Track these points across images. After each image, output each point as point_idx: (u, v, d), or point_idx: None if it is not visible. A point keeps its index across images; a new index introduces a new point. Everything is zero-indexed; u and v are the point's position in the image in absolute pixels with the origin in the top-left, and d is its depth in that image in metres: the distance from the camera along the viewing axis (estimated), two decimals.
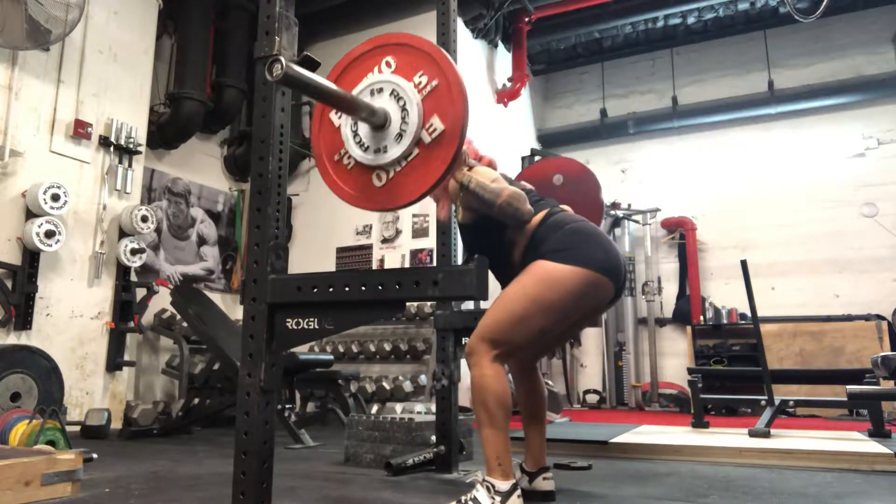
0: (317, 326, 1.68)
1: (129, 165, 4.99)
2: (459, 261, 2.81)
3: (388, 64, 1.68)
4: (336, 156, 1.74)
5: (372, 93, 1.67)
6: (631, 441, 3.45)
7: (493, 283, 1.72)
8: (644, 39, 8.18)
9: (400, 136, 1.62)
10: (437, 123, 1.59)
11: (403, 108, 1.62)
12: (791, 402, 4.03)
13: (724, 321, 7.00)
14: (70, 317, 4.52)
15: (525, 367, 2.20)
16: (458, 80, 1.57)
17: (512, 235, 2.03)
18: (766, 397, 4.02)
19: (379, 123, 1.64)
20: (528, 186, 2.33)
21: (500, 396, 1.83)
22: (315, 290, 1.67)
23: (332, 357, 4.71)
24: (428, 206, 5.80)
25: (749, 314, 4.19)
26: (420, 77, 1.62)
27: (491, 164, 2.21)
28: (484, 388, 1.84)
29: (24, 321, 4.19)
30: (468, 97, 1.57)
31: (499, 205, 1.92)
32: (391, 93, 1.64)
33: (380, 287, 1.60)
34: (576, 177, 2.79)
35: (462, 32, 6.58)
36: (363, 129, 1.69)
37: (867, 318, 6.43)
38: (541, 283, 1.87)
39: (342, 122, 1.76)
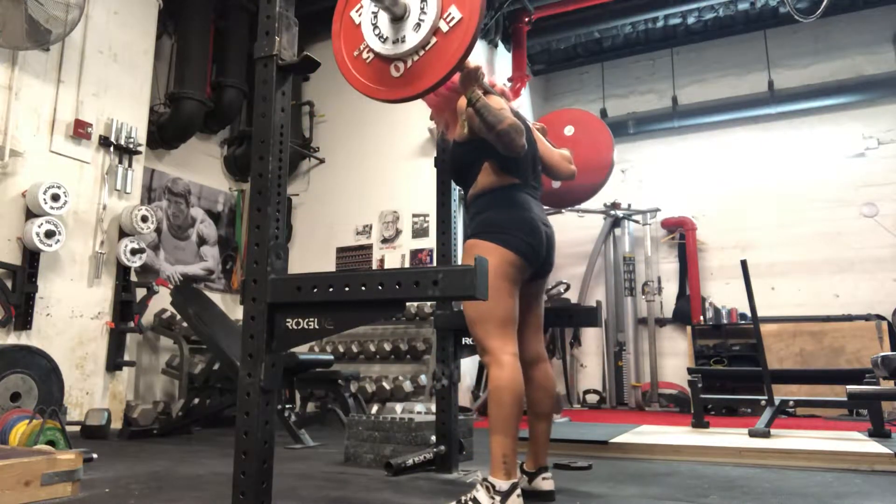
0: (317, 326, 1.68)
1: (129, 165, 4.99)
2: (459, 260, 2.81)
3: None
4: (355, 52, 1.83)
5: None
6: (631, 441, 3.44)
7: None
8: (644, 39, 8.18)
9: (418, 25, 1.70)
10: (455, 12, 1.66)
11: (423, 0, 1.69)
12: (791, 402, 4.03)
13: (724, 321, 7.00)
14: (70, 317, 4.52)
15: (531, 360, 2.18)
16: None
17: (482, 177, 2.12)
18: (766, 397, 4.02)
19: (399, 14, 1.71)
20: (539, 125, 2.43)
21: (517, 395, 1.86)
22: (315, 290, 1.67)
23: (332, 357, 4.71)
24: (429, 205, 5.81)
25: (749, 314, 4.19)
26: None
27: (504, 94, 2.26)
28: (502, 387, 1.86)
29: (24, 321, 4.19)
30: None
31: (497, 130, 1.96)
32: None
33: (380, 287, 1.60)
34: (589, 131, 2.78)
35: None
36: (383, 21, 1.77)
37: (867, 318, 6.42)
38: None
39: (362, 18, 1.84)
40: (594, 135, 2.77)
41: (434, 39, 1.68)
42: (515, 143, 1.97)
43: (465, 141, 2.15)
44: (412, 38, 1.69)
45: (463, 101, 2.06)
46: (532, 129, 2.29)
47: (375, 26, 1.76)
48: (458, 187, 2.88)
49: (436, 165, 2.89)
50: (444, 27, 1.67)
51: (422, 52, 1.69)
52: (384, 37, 1.74)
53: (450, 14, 1.66)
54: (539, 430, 2.17)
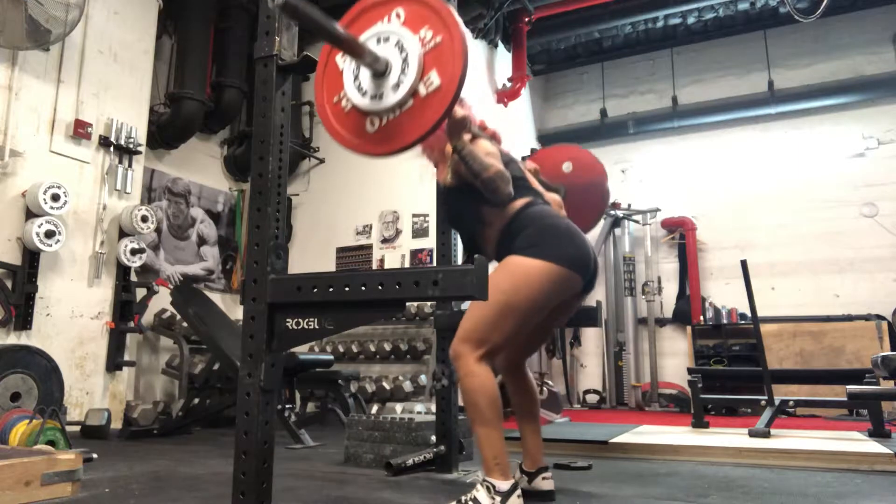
0: (317, 326, 1.68)
1: (129, 165, 4.99)
2: (459, 261, 2.81)
3: (397, 15, 1.72)
4: (335, 97, 1.79)
5: (378, 40, 1.71)
6: (631, 441, 3.44)
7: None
8: (644, 39, 8.18)
9: (398, 85, 1.65)
10: (435, 78, 1.62)
11: (405, 60, 1.66)
12: (791, 402, 4.03)
13: (724, 321, 7.00)
14: (70, 317, 4.52)
15: (513, 368, 2.21)
16: (461, 38, 1.61)
17: (489, 215, 2.06)
18: (766, 397, 4.01)
19: (380, 70, 1.68)
20: (533, 166, 2.38)
21: (491, 396, 1.85)
22: (315, 290, 1.67)
23: (332, 357, 4.71)
24: (429, 205, 5.81)
25: (749, 314, 4.19)
26: (426, 31, 1.66)
27: (494, 136, 2.24)
28: (473, 389, 1.85)
29: (24, 321, 4.19)
30: (469, 57, 1.61)
31: (483, 178, 1.94)
32: (396, 43, 1.68)
33: (380, 287, 1.60)
34: (584, 167, 2.80)
35: None
36: (364, 75, 1.74)
37: (867, 318, 6.42)
38: (512, 278, 1.90)
39: (346, 65, 1.80)
40: (592, 177, 2.80)
41: (411, 101, 1.64)
42: (501, 190, 1.95)
43: (453, 187, 2.12)
44: (390, 97, 1.65)
45: (450, 147, 2.03)
46: (524, 170, 2.26)
47: (357, 77, 1.72)
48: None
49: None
50: (422, 91, 1.63)
51: (398, 112, 1.65)
52: (364, 90, 1.70)
53: (429, 79, 1.62)
54: (528, 431, 2.18)
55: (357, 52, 1.64)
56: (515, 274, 1.91)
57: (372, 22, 1.75)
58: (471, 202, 2.07)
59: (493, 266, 2.02)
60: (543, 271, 1.89)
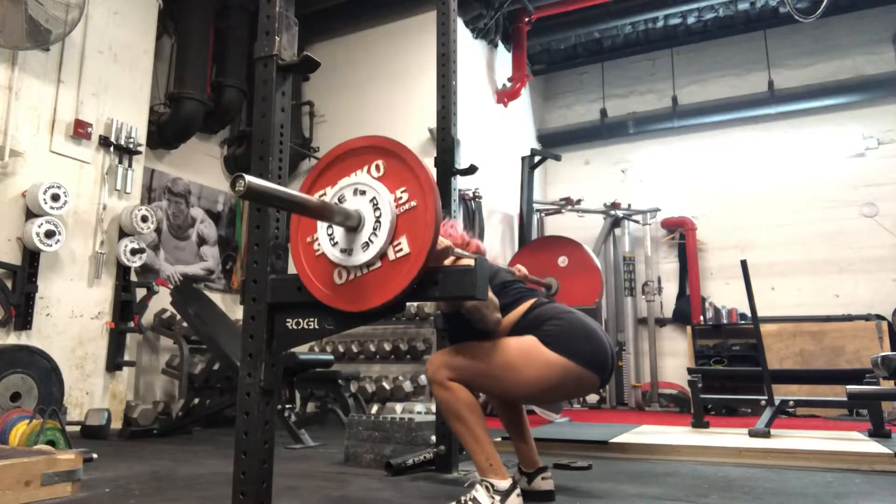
0: (317, 326, 1.68)
1: (129, 165, 4.99)
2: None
3: (377, 168, 1.68)
4: (309, 238, 1.73)
5: (355, 192, 1.67)
6: (631, 441, 3.44)
7: None
8: (644, 39, 8.18)
9: (367, 244, 1.61)
10: (405, 245, 1.58)
11: (378, 220, 1.61)
12: (791, 402, 4.03)
13: (724, 321, 7.00)
14: (70, 317, 4.52)
15: None
16: (434, 208, 1.56)
17: (504, 321, 2.02)
18: (766, 397, 4.01)
19: (352, 226, 1.63)
20: (522, 271, 2.34)
21: (469, 403, 1.88)
22: None
23: (332, 357, 4.71)
24: None
25: (749, 314, 4.19)
26: (402, 193, 1.62)
27: (478, 251, 2.19)
28: (450, 400, 1.88)
29: (24, 321, 4.19)
30: (438, 230, 1.57)
31: (466, 307, 1.92)
32: (371, 199, 1.64)
33: None
34: (576, 256, 2.84)
35: (462, 32, 6.58)
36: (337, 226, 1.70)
37: (867, 318, 6.42)
38: (524, 357, 1.89)
39: None
40: (585, 274, 2.82)
41: (379, 263, 1.60)
42: (485, 318, 1.92)
43: (450, 312, 2.09)
44: (359, 255, 1.61)
45: None
46: (515, 275, 2.25)
47: (330, 226, 1.68)
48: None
49: (435, 165, 2.89)
50: (391, 255, 1.59)
51: (366, 271, 1.62)
52: (335, 240, 1.66)
53: (399, 244, 1.59)
54: (520, 443, 2.21)
55: (325, 215, 1.60)
56: (529, 354, 1.89)
57: (353, 168, 1.71)
58: (471, 324, 2.02)
59: None
60: (560, 366, 1.88)
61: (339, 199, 1.68)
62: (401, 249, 1.59)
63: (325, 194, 1.71)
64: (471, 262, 2.00)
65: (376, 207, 1.63)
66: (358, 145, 1.73)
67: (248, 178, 1.33)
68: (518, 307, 2.02)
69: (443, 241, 1.88)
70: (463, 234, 2.23)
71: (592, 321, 2.03)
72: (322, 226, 1.70)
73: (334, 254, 1.66)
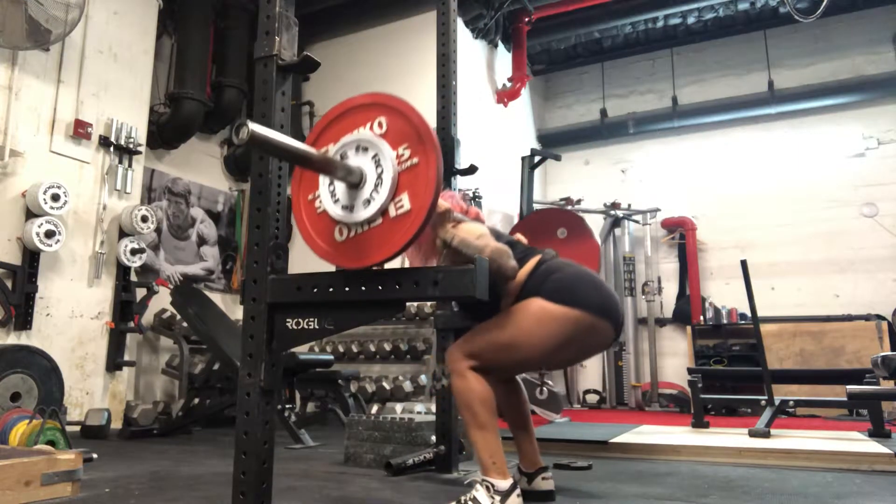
0: (317, 326, 1.68)
1: (129, 165, 4.99)
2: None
3: (380, 125, 1.67)
4: (310, 195, 1.74)
5: (357, 149, 1.66)
6: (631, 441, 3.45)
7: None
8: (644, 39, 8.18)
9: (369, 201, 1.61)
10: (406, 202, 1.58)
11: (380, 176, 1.61)
12: (791, 402, 4.03)
13: (724, 321, 7.00)
14: (70, 317, 4.52)
15: (506, 379, 2.19)
16: (437, 166, 1.56)
17: (501, 287, 2.01)
18: (766, 397, 4.01)
19: (354, 182, 1.64)
20: (521, 239, 2.33)
21: (483, 397, 1.86)
22: (315, 290, 1.67)
23: (332, 357, 4.71)
24: None
25: (749, 314, 4.19)
26: (404, 150, 1.62)
27: (478, 218, 2.19)
28: (466, 391, 1.87)
29: (24, 321, 4.19)
30: (440, 188, 1.57)
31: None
32: (374, 156, 1.63)
33: (380, 287, 1.60)
34: (576, 229, 2.84)
35: (462, 32, 6.58)
36: (339, 182, 1.69)
37: (867, 318, 6.42)
38: (534, 320, 1.89)
39: None
40: (584, 240, 2.82)
41: (380, 220, 1.60)
42: (504, 266, 1.90)
43: None
44: (360, 212, 1.62)
45: (439, 241, 1.97)
46: (517, 238, 2.24)
47: (332, 182, 1.69)
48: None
49: None
50: (392, 212, 1.59)
51: (367, 227, 1.62)
52: (336, 197, 1.67)
53: (401, 201, 1.59)
54: (522, 439, 2.19)
55: (328, 170, 1.60)
56: (536, 315, 1.88)
57: (355, 125, 1.71)
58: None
59: None
60: (570, 318, 1.87)
61: (341, 156, 1.67)
62: (402, 206, 1.59)
63: (327, 151, 1.70)
64: (470, 225, 2.03)
65: (378, 164, 1.63)
66: (360, 102, 1.73)
67: (252, 125, 1.34)
68: (526, 265, 2.01)
69: (442, 204, 1.90)
70: (461, 203, 2.23)
71: (599, 276, 2.03)
72: (324, 183, 1.70)
73: (335, 211, 1.66)
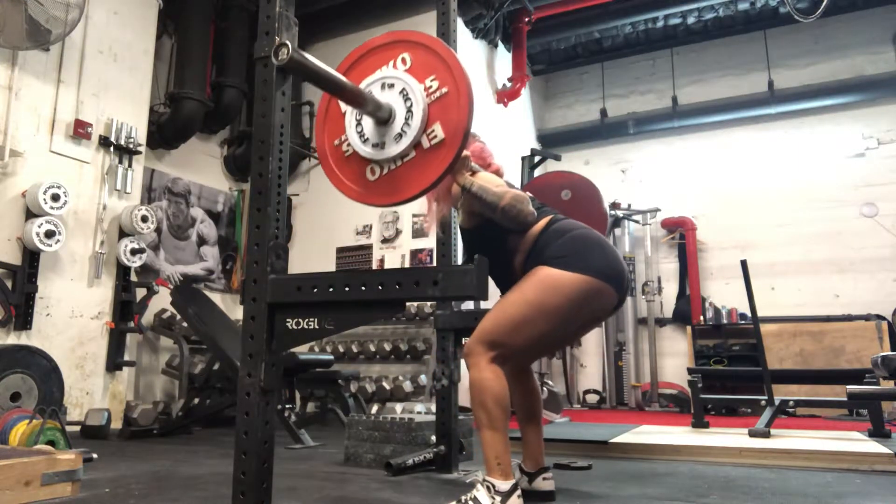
0: (317, 326, 1.68)
1: (129, 165, 4.99)
2: (459, 261, 2.81)
3: (403, 61, 1.67)
4: (336, 141, 1.75)
5: (383, 86, 1.67)
6: (631, 441, 3.44)
7: (492, 286, 1.72)
8: (644, 39, 8.18)
9: (400, 135, 1.61)
10: (439, 131, 1.58)
11: (409, 110, 1.61)
12: (791, 402, 4.03)
13: (724, 321, 7.00)
14: (70, 317, 4.52)
15: (520, 368, 2.20)
16: (468, 91, 1.56)
17: (513, 242, 2.02)
18: (766, 397, 4.01)
19: (383, 119, 1.64)
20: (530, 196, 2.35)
21: (499, 397, 1.84)
22: (315, 290, 1.67)
23: (332, 357, 4.71)
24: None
25: (749, 314, 4.19)
26: (432, 81, 1.62)
27: (498, 172, 2.19)
28: (482, 388, 1.85)
29: (24, 321, 4.19)
30: (474, 110, 1.56)
31: (501, 207, 1.91)
32: (401, 91, 1.64)
33: (380, 287, 1.60)
34: (581, 190, 2.81)
35: (462, 32, 6.58)
36: (367, 121, 1.69)
37: (867, 318, 6.42)
38: (542, 289, 1.87)
39: (348, 108, 1.76)
40: (590, 203, 2.80)
41: (413, 153, 1.60)
42: (523, 213, 1.91)
43: (472, 228, 2.09)
44: (392, 147, 1.61)
45: (456, 188, 1.99)
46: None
47: (359, 123, 1.68)
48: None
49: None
50: (425, 143, 1.59)
51: (399, 163, 1.61)
52: (365, 137, 1.66)
53: (433, 132, 1.58)
54: (531, 433, 2.18)
55: (359, 101, 1.60)
56: (544, 283, 1.87)
57: (378, 65, 1.70)
58: (496, 237, 2.02)
59: None
60: (575, 283, 1.86)
61: None
62: (435, 136, 1.58)
63: None
64: (489, 175, 2.03)
65: (406, 98, 1.62)
66: (379, 42, 1.73)
67: (293, 48, 1.35)
68: (539, 221, 2.01)
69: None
70: (489, 155, 2.24)
71: (606, 239, 2.03)
72: (350, 125, 1.70)
73: (366, 150, 1.66)
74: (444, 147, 1.56)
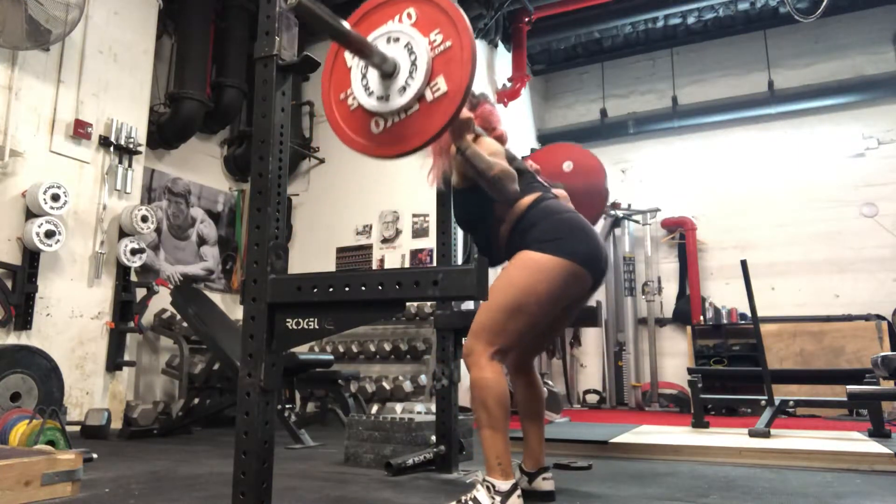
0: (317, 326, 1.68)
1: (129, 165, 4.99)
2: (459, 261, 2.81)
3: (409, 15, 1.71)
4: (342, 95, 1.78)
5: (388, 40, 1.71)
6: (631, 441, 3.44)
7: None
8: (644, 39, 8.18)
9: (404, 88, 1.65)
10: (442, 84, 1.62)
11: (413, 63, 1.65)
12: (791, 402, 4.03)
13: (724, 321, 7.00)
14: (70, 317, 4.52)
15: (521, 366, 2.20)
16: (470, 45, 1.60)
17: (501, 211, 2.08)
18: (766, 397, 4.01)
19: (388, 72, 1.67)
20: (534, 166, 2.38)
21: (500, 396, 1.84)
22: (315, 290, 1.67)
23: (332, 357, 4.71)
24: (429, 205, 5.81)
25: (749, 314, 4.19)
26: (436, 35, 1.65)
27: (501, 138, 2.24)
28: (483, 387, 1.85)
29: (24, 321, 4.19)
30: (476, 65, 1.60)
31: (487, 177, 1.94)
32: (405, 45, 1.67)
33: (380, 287, 1.60)
34: (583, 165, 2.80)
35: None
36: (372, 74, 1.73)
37: (867, 318, 6.42)
38: (528, 273, 1.91)
39: (354, 62, 1.80)
40: (592, 177, 2.80)
41: (417, 106, 1.63)
42: (507, 188, 1.96)
43: (463, 188, 2.14)
44: (396, 100, 1.65)
45: (455, 148, 2.02)
46: (529, 167, 2.28)
47: (364, 77, 1.71)
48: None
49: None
50: (428, 96, 1.62)
51: (403, 116, 1.65)
52: (370, 90, 1.70)
53: (437, 84, 1.61)
54: (532, 432, 2.18)
55: (365, 52, 1.64)
56: (529, 268, 1.91)
57: (383, 20, 1.74)
58: (482, 201, 2.08)
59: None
60: (557, 267, 1.90)
61: None
62: (438, 89, 1.62)
63: None
64: (489, 141, 2.09)
65: (411, 51, 1.66)
66: None
67: None
68: (526, 197, 2.05)
69: (466, 113, 1.92)
70: (497, 120, 2.28)
71: (587, 222, 2.08)
72: (356, 78, 1.73)
73: (370, 103, 1.70)
74: (447, 99, 1.60)
